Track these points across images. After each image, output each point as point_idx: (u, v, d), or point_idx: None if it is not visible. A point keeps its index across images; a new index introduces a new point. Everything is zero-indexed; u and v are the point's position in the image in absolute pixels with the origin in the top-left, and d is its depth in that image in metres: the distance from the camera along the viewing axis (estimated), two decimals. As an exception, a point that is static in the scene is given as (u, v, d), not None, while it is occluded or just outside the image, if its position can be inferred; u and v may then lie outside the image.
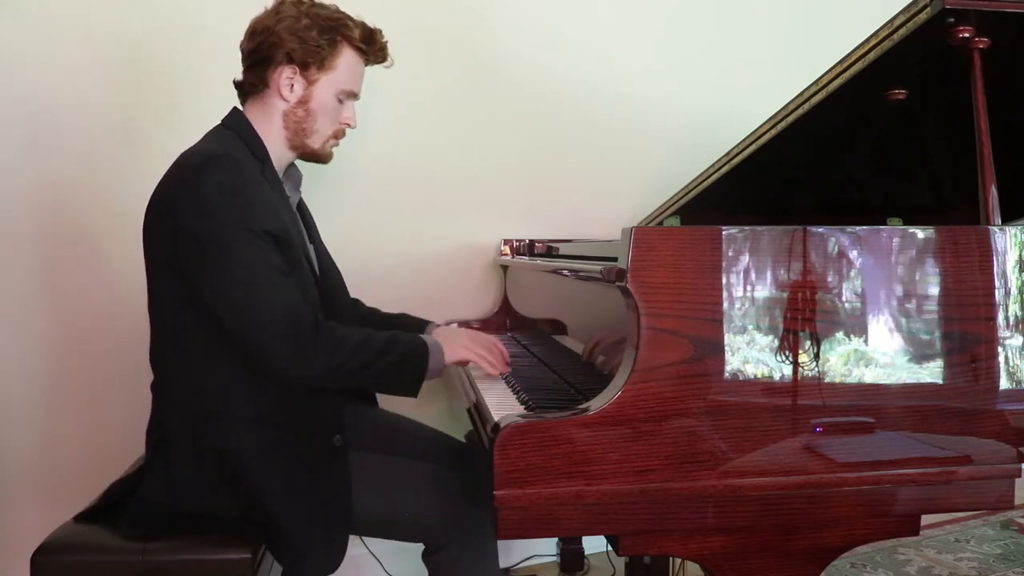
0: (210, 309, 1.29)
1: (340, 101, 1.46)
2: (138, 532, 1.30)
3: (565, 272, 1.50)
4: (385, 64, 1.53)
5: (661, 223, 2.04)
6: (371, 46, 1.47)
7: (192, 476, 1.33)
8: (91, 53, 1.92)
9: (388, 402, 1.92)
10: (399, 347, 1.35)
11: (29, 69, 1.88)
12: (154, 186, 1.37)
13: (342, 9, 1.49)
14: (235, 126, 1.43)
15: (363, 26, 1.47)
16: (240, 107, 1.49)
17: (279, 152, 1.46)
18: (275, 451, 1.33)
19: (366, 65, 1.50)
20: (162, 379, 1.40)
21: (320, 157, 1.51)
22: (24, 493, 1.92)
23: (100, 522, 1.36)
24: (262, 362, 1.28)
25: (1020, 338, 1.13)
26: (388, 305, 1.84)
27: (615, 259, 1.08)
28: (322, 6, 1.45)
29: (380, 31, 1.50)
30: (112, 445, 1.90)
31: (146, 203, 1.37)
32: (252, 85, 1.44)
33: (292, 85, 1.41)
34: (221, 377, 1.34)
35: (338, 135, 1.50)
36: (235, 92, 1.50)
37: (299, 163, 1.56)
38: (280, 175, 1.49)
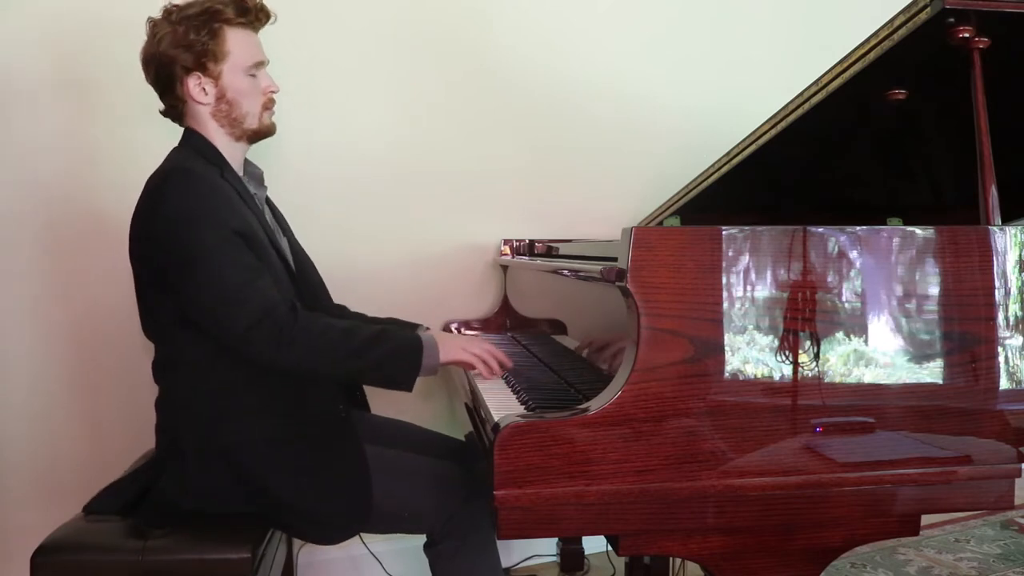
0: (193, 314, 1.35)
1: (253, 76, 1.49)
2: (153, 526, 1.33)
3: (565, 272, 1.50)
4: (271, 20, 1.53)
5: (661, 223, 2.04)
6: (248, 15, 1.47)
7: (204, 478, 1.37)
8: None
9: (386, 402, 1.93)
10: (391, 339, 1.39)
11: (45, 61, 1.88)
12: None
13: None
14: (188, 141, 1.49)
15: (231, 1, 1.46)
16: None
17: (230, 149, 1.50)
18: (283, 436, 1.39)
19: (256, 32, 1.51)
20: (167, 391, 1.46)
21: (264, 132, 1.53)
22: (24, 493, 1.91)
23: (106, 519, 1.36)
24: (248, 355, 1.33)
25: (1020, 338, 1.13)
26: (388, 305, 1.85)
27: (615, 259, 1.08)
28: (188, 5, 1.45)
29: None
30: (112, 445, 1.91)
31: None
32: (173, 106, 1.50)
33: (203, 89, 1.45)
34: (226, 381, 1.39)
35: (268, 105, 1.53)
36: None
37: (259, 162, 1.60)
38: (241, 174, 1.54)
